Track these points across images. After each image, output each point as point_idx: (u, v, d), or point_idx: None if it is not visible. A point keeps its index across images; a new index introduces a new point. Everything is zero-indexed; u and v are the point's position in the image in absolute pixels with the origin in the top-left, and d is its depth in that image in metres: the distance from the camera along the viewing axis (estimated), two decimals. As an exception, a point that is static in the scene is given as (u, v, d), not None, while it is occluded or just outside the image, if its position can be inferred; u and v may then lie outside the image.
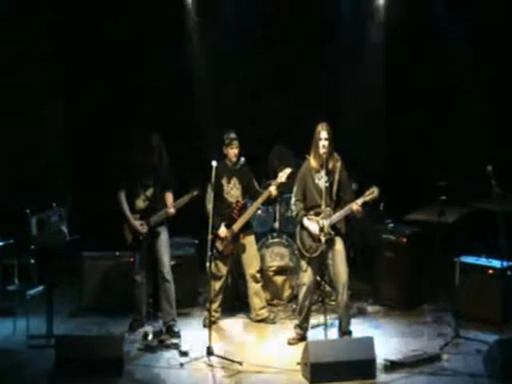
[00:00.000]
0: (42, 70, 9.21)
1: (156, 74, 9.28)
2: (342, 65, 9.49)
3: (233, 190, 7.52)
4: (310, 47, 9.41)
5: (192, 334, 7.19)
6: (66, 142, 9.57)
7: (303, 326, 6.99)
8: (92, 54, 9.28)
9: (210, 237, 6.81)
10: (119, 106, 9.28)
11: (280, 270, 8.03)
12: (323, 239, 6.63)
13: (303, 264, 6.87)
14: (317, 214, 6.75)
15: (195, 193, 7.11)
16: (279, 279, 8.05)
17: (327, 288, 7.72)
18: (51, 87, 9.31)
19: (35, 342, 6.92)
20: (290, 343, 6.95)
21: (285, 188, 7.69)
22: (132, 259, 7.49)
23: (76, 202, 7.36)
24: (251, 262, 7.55)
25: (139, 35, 9.22)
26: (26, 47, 9.03)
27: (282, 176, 7.30)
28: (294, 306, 7.60)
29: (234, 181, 7.52)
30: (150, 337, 6.91)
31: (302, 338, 6.94)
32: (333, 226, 6.71)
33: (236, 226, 7.44)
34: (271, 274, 8.02)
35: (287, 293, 8.05)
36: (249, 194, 7.57)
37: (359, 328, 7.19)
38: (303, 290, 6.88)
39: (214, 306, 7.40)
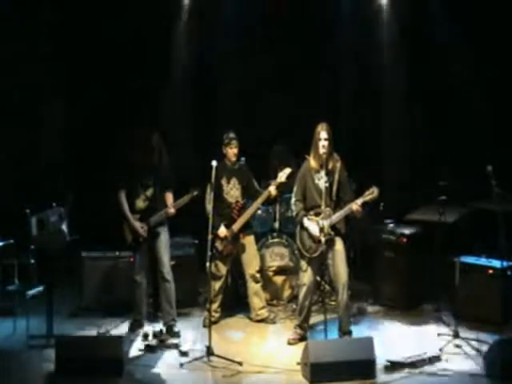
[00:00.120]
0: (42, 69, 9.20)
1: (156, 74, 9.28)
2: (342, 65, 9.49)
3: (232, 190, 7.52)
4: (309, 47, 9.40)
5: (192, 334, 7.19)
6: (65, 142, 9.57)
7: (303, 326, 6.99)
8: (92, 54, 9.27)
9: (209, 237, 6.81)
10: (119, 106, 9.28)
11: (280, 270, 8.03)
12: (323, 239, 6.63)
13: (303, 264, 6.87)
14: (317, 214, 6.75)
15: (195, 193, 7.11)
16: (279, 279, 8.05)
17: (327, 288, 7.72)
18: (51, 87, 9.30)
19: (35, 342, 6.92)
20: (290, 343, 6.95)
21: (285, 188, 7.69)
22: (132, 259, 7.49)
23: (76, 201, 7.34)
24: (251, 261, 7.55)
25: (139, 35, 9.21)
26: (26, 47, 9.02)
27: (282, 176, 7.30)
28: (294, 306, 7.60)
29: (234, 181, 7.52)
30: (150, 337, 6.91)
31: (302, 337, 6.94)
32: (333, 226, 6.71)
33: (236, 226, 7.44)
34: (271, 274, 8.02)
35: (287, 293, 8.05)
36: (248, 194, 7.56)
37: (359, 328, 7.20)
38: (303, 290, 6.88)
39: (214, 306, 7.40)
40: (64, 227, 7.18)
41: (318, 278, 7.16)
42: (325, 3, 9.27)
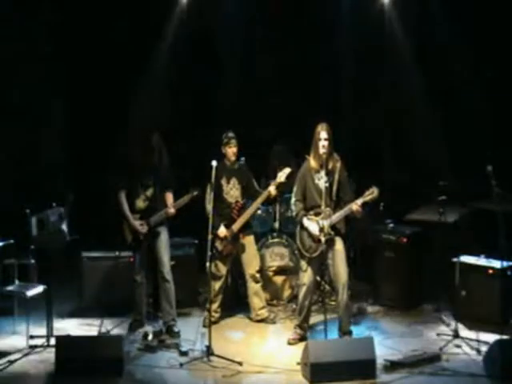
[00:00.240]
0: (42, 69, 9.20)
1: (156, 74, 9.28)
2: (342, 65, 9.49)
3: (232, 190, 7.52)
4: (309, 47, 9.41)
5: (192, 334, 7.19)
6: (65, 142, 9.57)
7: (303, 326, 6.99)
8: (92, 53, 9.27)
9: (209, 237, 6.81)
10: (119, 106, 9.28)
11: (280, 270, 8.03)
12: (323, 239, 6.63)
13: (303, 264, 6.87)
14: (317, 214, 6.75)
15: (195, 193, 7.11)
16: (279, 279, 8.05)
17: (327, 288, 7.72)
18: (51, 87, 9.30)
19: (35, 342, 6.92)
20: (290, 343, 6.95)
21: (284, 188, 7.69)
22: (132, 259, 7.49)
23: (76, 201, 7.34)
24: (251, 261, 7.55)
25: (139, 35, 9.22)
26: (26, 47, 9.02)
27: (282, 176, 7.30)
28: (294, 306, 7.60)
29: (234, 181, 7.52)
30: (150, 337, 6.91)
31: (302, 337, 6.94)
32: (333, 226, 6.71)
33: (235, 226, 7.44)
34: (271, 274, 8.02)
35: (287, 293, 8.05)
36: (248, 193, 7.56)
37: (359, 328, 7.20)
38: (303, 290, 6.88)
39: (214, 306, 7.40)
40: (64, 227, 7.18)
41: (318, 278, 7.16)
42: (325, 3, 9.27)
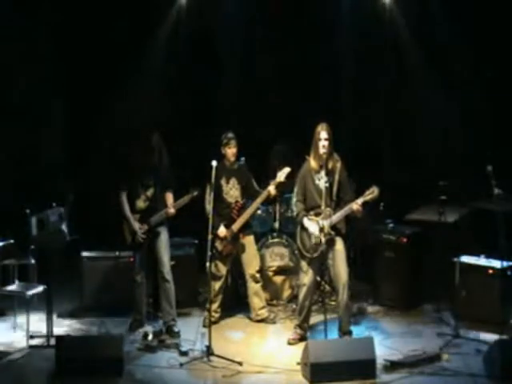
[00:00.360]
0: (42, 69, 9.20)
1: (156, 74, 9.29)
2: (342, 65, 9.49)
3: (232, 190, 7.52)
4: (309, 47, 9.40)
5: (192, 334, 7.19)
6: (66, 141, 9.57)
7: (303, 326, 6.99)
8: (92, 53, 9.28)
9: (209, 237, 6.81)
10: (119, 106, 9.28)
11: (280, 270, 8.03)
12: (323, 239, 6.63)
13: (303, 265, 6.87)
14: (317, 215, 6.75)
15: (195, 193, 7.11)
16: (279, 279, 8.04)
17: (327, 288, 7.72)
18: (51, 87, 9.30)
19: (35, 342, 6.92)
20: (290, 343, 6.95)
21: (284, 187, 7.69)
22: (132, 259, 7.49)
23: (76, 201, 7.34)
24: (251, 261, 7.55)
25: (138, 35, 9.22)
26: (26, 47, 9.02)
27: (281, 175, 7.30)
28: (294, 306, 7.60)
29: (233, 181, 7.52)
30: (150, 337, 6.91)
31: (302, 337, 6.94)
32: (333, 226, 6.71)
33: (235, 226, 7.44)
34: (271, 274, 8.02)
35: (287, 293, 8.04)
36: (248, 193, 7.56)
37: (359, 328, 7.20)
38: (303, 290, 6.88)
39: (214, 306, 7.40)
40: (64, 227, 7.18)
41: (318, 278, 7.16)
42: (325, 3, 9.27)
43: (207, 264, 6.75)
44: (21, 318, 7.24)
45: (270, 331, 7.40)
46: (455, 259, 7.38)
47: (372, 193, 6.62)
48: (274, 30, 9.43)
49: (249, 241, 7.56)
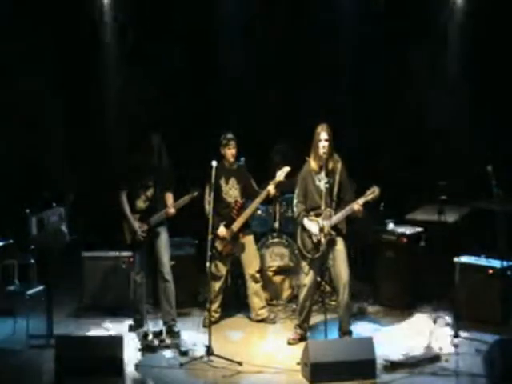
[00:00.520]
0: (42, 69, 9.20)
1: (155, 74, 9.29)
2: (342, 65, 9.49)
3: (231, 190, 7.52)
4: (310, 47, 9.40)
5: (192, 334, 7.19)
6: (65, 142, 9.57)
7: (303, 326, 6.99)
8: (92, 53, 9.28)
9: (209, 237, 6.81)
10: (119, 106, 9.28)
11: (280, 270, 8.04)
12: (323, 240, 6.63)
13: (304, 265, 6.86)
14: (318, 215, 6.74)
15: (195, 193, 7.11)
16: (279, 279, 8.05)
17: (327, 288, 7.73)
18: (51, 87, 9.30)
19: (35, 342, 6.92)
20: (290, 343, 6.95)
21: (284, 187, 7.69)
22: (132, 259, 7.49)
23: (76, 201, 7.34)
24: (250, 261, 7.55)
25: (138, 35, 9.24)
26: (26, 47, 9.02)
27: (281, 175, 7.30)
28: (294, 306, 7.60)
29: (232, 181, 7.52)
30: (150, 337, 6.91)
31: (302, 337, 6.94)
32: (334, 227, 6.71)
33: (235, 226, 7.44)
34: (271, 274, 8.02)
35: (287, 293, 8.05)
36: (247, 194, 7.56)
37: (359, 328, 7.20)
38: (304, 290, 6.88)
39: (214, 306, 7.40)
40: (64, 227, 7.18)
41: (319, 278, 7.15)
42: (325, 3, 9.27)
43: (207, 264, 6.75)
44: (21, 318, 7.23)
45: (269, 331, 7.40)
46: (455, 259, 7.38)
47: (373, 193, 6.62)
48: (274, 30, 9.43)
49: (248, 241, 7.56)
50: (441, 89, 9.18)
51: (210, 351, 6.53)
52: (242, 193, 7.54)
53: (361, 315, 7.69)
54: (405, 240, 7.83)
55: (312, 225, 6.74)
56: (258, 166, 7.95)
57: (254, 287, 7.54)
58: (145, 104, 9.14)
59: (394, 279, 7.86)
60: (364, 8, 9.24)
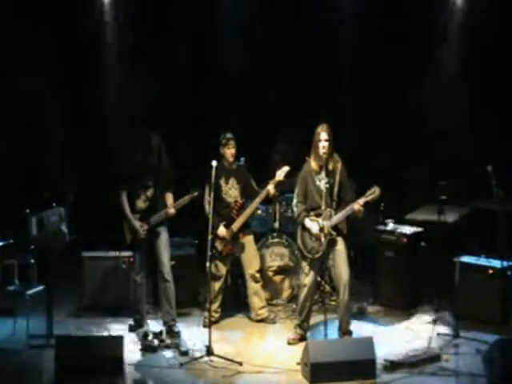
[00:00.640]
0: (42, 69, 9.20)
1: (155, 74, 9.30)
2: (342, 65, 9.49)
3: (231, 190, 7.52)
4: (310, 47, 9.41)
5: (192, 334, 7.19)
6: (65, 142, 9.57)
7: (303, 326, 6.99)
8: (91, 53, 9.28)
9: (209, 237, 6.81)
10: (119, 106, 9.28)
11: (280, 270, 8.03)
12: (323, 239, 6.63)
13: (305, 265, 6.86)
14: (318, 216, 6.74)
15: (195, 193, 7.10)
16: (279, 279, 8.05)
17: (327, 288, 7.72)
18: (51, 87, 9.30)
19: (35, 342, 6.91)
20: (290, 343, 6.95)
21: (284, 186, 7.69)
22: (132, 259, 7.49)
23: (76, 201, 7.34)
24: (250, 261, 7.55)
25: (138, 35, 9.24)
26: (26, 47, 9.02)
27: (280, 174, 7.30)
28: (294, 305, 7.60)
29: (232, 181, 7.52)
30: (150, 337, 6.91)
31: (302, 337, 6.94)
32: (335, 227, 6.71)
33: (235, 226, 7.44)
34: (271, 274, 8.02)
35: (287, 293, 8.05)
36: (247, 193, 7.56)
37: (359, 328, 7.20)
38: (304, 291, 6.87)
39: (214, 306, 7.40)
40: (64, 227, 7.18)
41: (319, 278, 7.15)
42: (325, 3, 9.27)
43: (207, 264, 6.75)
44: (21, 318, 7.23)
45: (269, 331, 7.40)
46: (455, 259, 7.38)
47: (373, 193, 6.62)
48: (275, 30, 9.43)
49: (248, 240, 7.56)
50: (441, 89, 9.19)
51: (209, 351, 6.53)
52: (241, 193, 7.54)
53: (361, 315, 7.69)
54: (405, 240, 7.83)
55: (313, 225, 6.74)
56: (257, 166, 7.94)
57: (253, 287, 7.54)
58: (145, 104, 9.15)
59: (394, 279, 7.86)
60: (364, 8, 9.23)
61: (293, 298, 7.90)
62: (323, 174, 6.73)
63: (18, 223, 7.35)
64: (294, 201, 6.92)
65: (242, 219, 7.44)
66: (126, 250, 7.71)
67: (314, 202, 6.78)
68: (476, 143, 8.86)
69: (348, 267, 6.77)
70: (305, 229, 6.80)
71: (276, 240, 8.10)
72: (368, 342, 6.28)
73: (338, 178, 6.75)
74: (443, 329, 7.19)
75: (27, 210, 7.16)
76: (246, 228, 7.54)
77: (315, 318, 7.24)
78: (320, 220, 6.68)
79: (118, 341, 6.41)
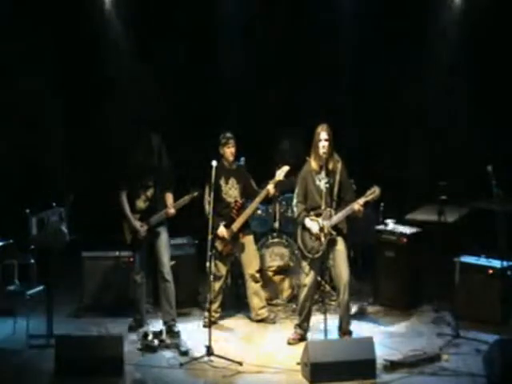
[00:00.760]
0: (42, 70, 9.20)
1: (155, 74, 9.30)
2: (342, 65, 9.49)
3: (231, 190, 7.52)
4: (310, 47, 9.41)
5: (192, 334, 7.19)
6: (65, 142, 9.57)
7: (303, 326, 6.99)
8: (91, 53, 9.29)
9: (209, 237, 6.81)
10: (119, 106, 9.29)
11: (280, 270, 8.03)
12: (323, 239, 6.63)
13: (305, 265, 6.86)
14: (318, 215, 6.74)
15: (195, 193, 7.11)
16: (279, 279, 8.05)
17: (327, 288, 7.72)
18: (51, 87, 9.30)
19: (35, 342, 6.91)
20: (290, 343, 6.95)
21: (283, 186, 7.69)
22: (132, 259, 7.49)
23: (76, 201, 7.34)
24: (250, 261, 7.55)
25: (138, 35, 9.25)
26: (26, 47, 9.02)
27: (280, 174, 7.31)
28: (294, 305, 7.60)
29: (232, 181, 7.52)
30: (150, 337, 6.90)
31: (302, 337, 6.94)
32: (335, 227, 6.71)
33: (235, 226, 7.44)
34: (271, 274, 8.02)
35: (287, 293, 8.04)
36: (247, 193, 7.56)
37: (359, 328, 7.20)
38: (304, 291, 6.87)
39: (214, 306, 7.40)
40: (64, 227, 7.18)
41: (319, 278, 7.16)
42: (325, 3, 9.27)
43: (207, 264, 6.75)
44: (21, 318, 7.23)
45: (269, 331, 7.39)
46: (455, 259, 7.38)
47: (373, 193, 6.62)
48: (274, 30, 9.43)
49: (248, 240, 7.56)
50: (440, 89, 9.18)
51: (209, 351, 6.53)
52: (241, 193, 7.54)
53: (361, 315, 7.69)
54: (405, 240, 7.83)
55: (314, 225, 6.74)
56: (258, 166, 7.94)
57: (253, 287, 7.54)
58: (144, 104, 9.15)
59: (394, 279, 7.86)
60: (364, 8, 9.23)
61: (293, 298, 7.90)
62: (323, 173, 6.73)
63: (18, 223, 7.35)
64: (294, 201, 6.92)
65: (241, 219, 7.44)
66: (125, 250, 7.71)
67: (314, 201, 6.78)
68: (476, 143, 8.86)
69: (348, 267, 6.77)
70: (305, 229, 6.80)
71: (276, 240, 8.10)
72: (368, 342, 6.28)
73: (338, 177, 6.75)
74: (443, 329, 7.18)
75: (27, 210, 7.16)
76: (245, 228, 7.54)
77: (315, 318, 7.23)
78: (320, 220, 6.69)
79: (118, 341, 6.41)
